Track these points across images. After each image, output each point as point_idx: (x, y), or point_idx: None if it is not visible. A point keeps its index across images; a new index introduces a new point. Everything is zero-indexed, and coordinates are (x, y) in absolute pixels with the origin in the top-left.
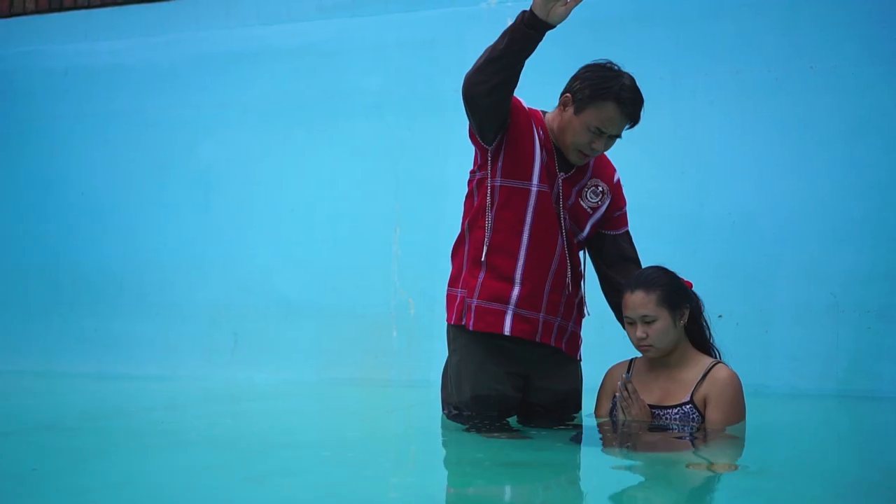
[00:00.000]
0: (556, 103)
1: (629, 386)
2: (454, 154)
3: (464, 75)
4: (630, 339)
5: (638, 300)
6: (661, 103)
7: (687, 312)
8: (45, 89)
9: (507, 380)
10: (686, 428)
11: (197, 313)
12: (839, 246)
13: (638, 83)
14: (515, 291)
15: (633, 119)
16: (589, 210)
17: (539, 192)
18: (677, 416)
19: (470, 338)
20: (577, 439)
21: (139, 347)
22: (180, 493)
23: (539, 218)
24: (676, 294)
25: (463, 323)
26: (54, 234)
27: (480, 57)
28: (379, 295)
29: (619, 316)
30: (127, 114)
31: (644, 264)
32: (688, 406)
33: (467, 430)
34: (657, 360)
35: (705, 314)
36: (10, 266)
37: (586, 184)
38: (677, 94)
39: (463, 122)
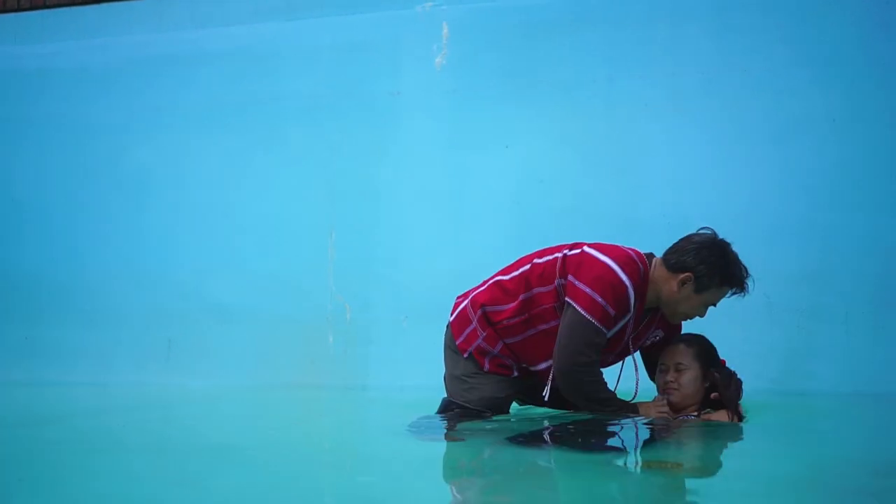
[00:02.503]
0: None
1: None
2: (389, 157)
3: (582, 362)
4: (657, 384)
5: (678, 349)
6: (595, 106)
7: (712, 378)
8: None
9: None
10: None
11: (130, 319)
12: (771, 247)
13: (572, 86)
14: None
15: None
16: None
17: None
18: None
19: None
20: (517, 440)
21: (71, 354)
22: (99, 498)
23: None
24: (710, 357)
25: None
26: None
27: (593, 379)
28: (315, 300)
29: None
30: (59, 117)
31: None
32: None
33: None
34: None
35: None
36: None
37: (651, 331)
38: (612, 96)
39: (397, 125)
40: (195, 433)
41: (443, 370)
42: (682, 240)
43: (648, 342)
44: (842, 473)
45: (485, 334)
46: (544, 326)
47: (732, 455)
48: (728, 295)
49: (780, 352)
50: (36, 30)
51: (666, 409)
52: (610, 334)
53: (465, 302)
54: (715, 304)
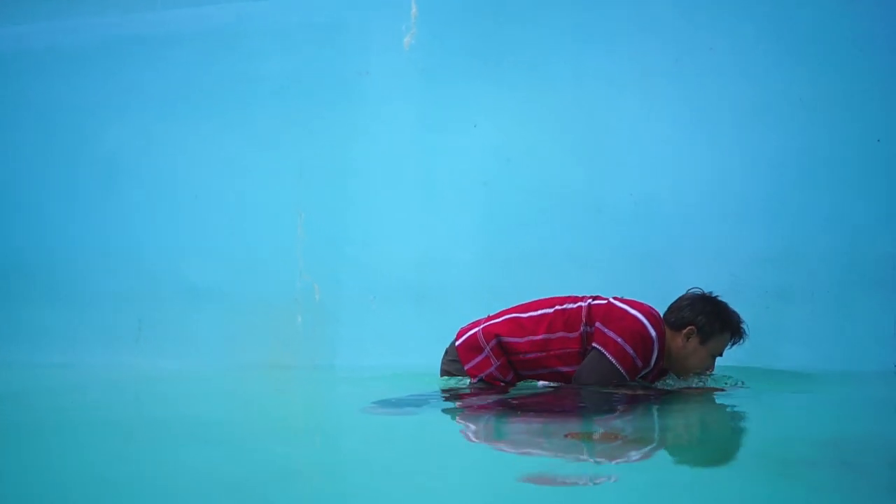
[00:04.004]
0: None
1: None
2: (358, 138)
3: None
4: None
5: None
6: (563, 85)
7: None
8: None
9: None
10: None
11: (101, 300)
12: (738, 227)
13: (540, 65)
14: None
15: None
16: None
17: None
18: None
19: None
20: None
21: (42, 335)
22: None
23: None
24: None
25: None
26: None
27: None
28: (283, 280)
29: None
30: (30, 99)
31: (543, 244)
32: None
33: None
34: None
35: None
36: None
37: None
38: (579, 76)
39: (366, 106)
40: (162, 412)
41: (411, 354)
42: (675, 301)
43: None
44: (787, 446)
45: (498, 363)
46: (564, 368)
47: (679, 427)
48: (730, 346)
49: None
50: (8, 11)
51: None
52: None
53: (476, 330)
54: (721, 354)
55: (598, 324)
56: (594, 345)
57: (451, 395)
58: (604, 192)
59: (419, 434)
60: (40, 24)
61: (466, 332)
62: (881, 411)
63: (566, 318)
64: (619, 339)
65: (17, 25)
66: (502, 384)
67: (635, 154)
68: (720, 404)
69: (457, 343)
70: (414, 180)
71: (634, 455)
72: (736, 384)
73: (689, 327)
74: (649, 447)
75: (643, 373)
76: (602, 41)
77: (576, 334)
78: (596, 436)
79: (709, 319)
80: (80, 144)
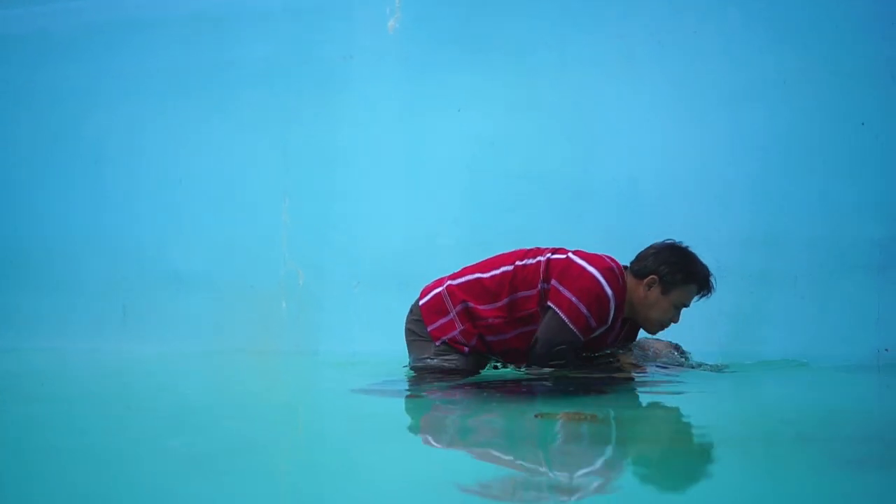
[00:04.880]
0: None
1: None
2: (342, 122)
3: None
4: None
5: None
6: (547, 70)
7: None
8: None
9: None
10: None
11: (88, 286)
12: (722, 210)
13: (525, 49)
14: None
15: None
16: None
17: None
18: None
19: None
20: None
21: (27, 320)
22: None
23: None
24: None
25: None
26: None
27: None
28: (268, 266)
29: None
30: (15, 83)
31: (527, 229)
32: None
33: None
34: None
35: None
36: None
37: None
38: (564, 59)
39: (350, 90)
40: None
41: (395, 339)
42: (643, 250)
43: (614, 349)
44: (749, 424)
45: (463, 328)
46: (528, 329)
47: (653, 408)
48: (697, 298)
49: (730, 316)
50: None
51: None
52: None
53: (440, 289)
54: (687, 305)
55: (553, 281)
56: (549, 303)
57: (423, 378)
58: (588, 176)
59: (388, 418)
60: (25, 9)
61: (430, 292)
62: (854, 391)
63: (525, 276)
64: (574, 299)
65: (8, 9)
66: (466, 349)
67: (620, 138)
68: (685, 387)
69: (420, 302)
70: (398, 165)
71: (596, 437)
72: (717, 368)
73: (651, 276)
74: (609, 428)
75: (600, 331)
76: (586, 25)
77: (534, 292)
78: (562, 415)
79: (671, 269)
80: (64, 130)
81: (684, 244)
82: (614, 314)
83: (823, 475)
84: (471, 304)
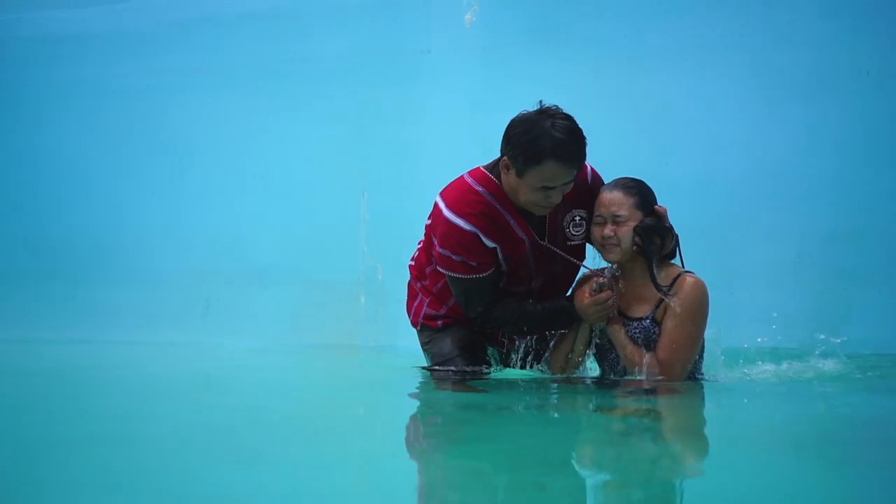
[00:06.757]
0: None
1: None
2: (419, 116)
3: (476, 312)
4: (594, 239)
5: (615, 199)
6: (625, 62)
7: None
8: (16, 58)
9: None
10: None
11: (170, 280)
12: (802, 205)
13: (602, 41)
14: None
15: (580, 163)
16: (580, 243)
17: (534, 263)
18: (638, 331)
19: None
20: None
21: (113, 314)
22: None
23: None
24: (649, 203)
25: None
26: (32, 202)
27: (503, 316)
28: (347, 261)
29: None
30: (96, 81)
31: None
32: (647, 321)
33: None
34: (626, 273)
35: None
36: None
37: (565, 220)
38: (640, 51)
39: (427, 84)
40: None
41: None
42: None
43: (576, 233)
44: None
45: (428, 300)
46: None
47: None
48: (567, 172)
49: (811, 312)
50: None
51: (604, 298)
52: (491, 271)
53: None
54: (552, 185)
55: (432, 236)
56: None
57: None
58: (663, 170)
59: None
60: (105, 7)
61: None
62: None
63: (426, 235)
64: (441, 251)
65: (83, 8)
66: (438, 324)
67: (697, 131)
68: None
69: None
70: (476, 158)
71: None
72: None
73: (503, 159)
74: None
75: (497, 249)
76: (663, 16)
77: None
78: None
79: (514, 151)
80: (145, 126)
81: (544, 105)
82: (493, 231)
83: None
84: (420, 273)
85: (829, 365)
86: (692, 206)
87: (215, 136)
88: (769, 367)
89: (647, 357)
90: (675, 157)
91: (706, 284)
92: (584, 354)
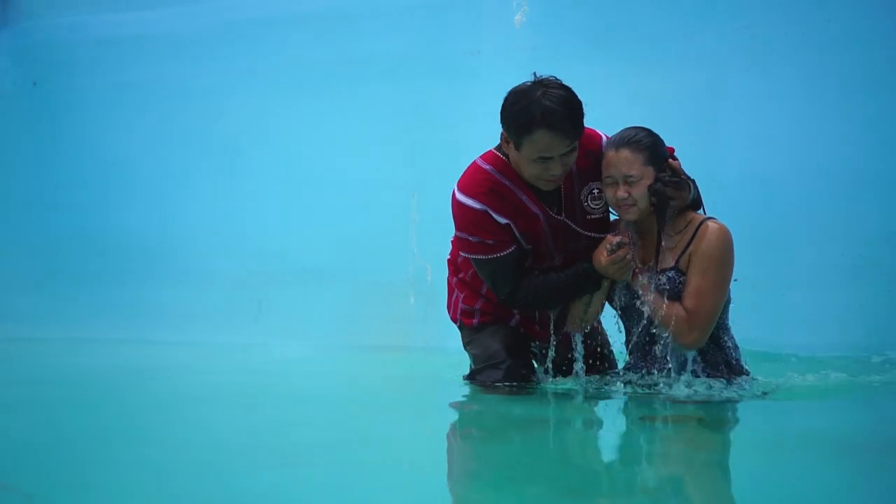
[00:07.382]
0: None
1: (630, 234)
2: (469, 117)
3: (504, 293)
4: (608, 200)
5: (624, 158)
6: (677, 63)
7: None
8: (71, 61)
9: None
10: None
11: (222, 280)
12: (859, 206)
13: (653, 42)
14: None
15: (575, 132)
16: (601, 216)
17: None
18: (665, 282)
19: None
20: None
21: (166, 314)
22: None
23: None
24: (660, 156)
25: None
26: (85, 202)
27: (530, 291)
28: (396, 261)
29: None
30: (151, 83)
31: None
32: (672, 272)
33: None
34: (645, 225)
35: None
36: (44, 235)
37: (582, 193)
38: (692, 50)
39: (480, 85)
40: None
41: None
42: None
43: (595, 206)
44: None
45: (463, 294)
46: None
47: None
48: (562, 141)
49: (864, 315)
50: None
51: (621, 255)
52: (511, 249)
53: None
54: (549, 156)
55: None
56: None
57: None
58: (718, 171)
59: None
60: (160, 11)
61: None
62: None
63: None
64: (459, 234)
65: (140, 11)
66: (474, 322)
67: (750, 131)
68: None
69: None
70: None
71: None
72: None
73: (502, 133)
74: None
75: (512, 226)
76: (715, 15)
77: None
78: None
79: (506, 122)
80: (195, 128)
81: (538, 76)
82: (495, 204)
83: None
84: (456, 266)
85: (888, 373)
86: (745, 206)
87: (265, 138)
88: (824, 373)
89: (673, 307)
90: (728, 158)
91: (731, 233)
92: (600, 310)
